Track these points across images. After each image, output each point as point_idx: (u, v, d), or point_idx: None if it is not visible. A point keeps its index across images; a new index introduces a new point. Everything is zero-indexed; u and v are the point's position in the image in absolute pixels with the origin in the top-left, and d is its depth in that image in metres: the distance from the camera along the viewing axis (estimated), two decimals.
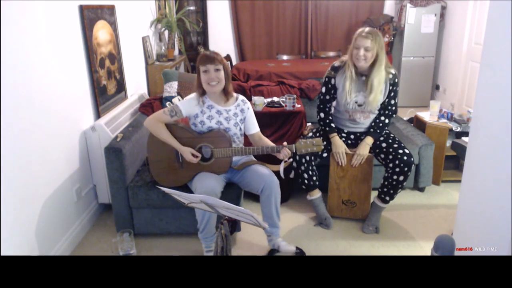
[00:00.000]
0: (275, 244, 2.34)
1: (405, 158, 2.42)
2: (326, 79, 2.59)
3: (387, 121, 2.59)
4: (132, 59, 3.67)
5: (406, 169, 2.42)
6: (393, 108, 2.58)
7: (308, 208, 2.86)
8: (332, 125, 2.62)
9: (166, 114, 2.22)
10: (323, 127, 2.65)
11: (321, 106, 2.64)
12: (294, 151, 2.16)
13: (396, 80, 2.50)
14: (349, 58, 2.46)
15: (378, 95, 2.46)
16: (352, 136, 2.68)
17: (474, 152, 1.76)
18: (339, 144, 2.56)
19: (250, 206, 2.81)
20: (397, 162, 2.43)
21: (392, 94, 2.52)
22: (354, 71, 2.46)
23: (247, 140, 2.42)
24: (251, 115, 2.34)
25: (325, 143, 2.60)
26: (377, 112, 2.59)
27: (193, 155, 2.19)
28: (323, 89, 2.61)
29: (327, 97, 2.61)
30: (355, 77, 2.47)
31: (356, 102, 2.51)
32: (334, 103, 2.71)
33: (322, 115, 2.63)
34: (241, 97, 2.35)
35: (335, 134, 2.60)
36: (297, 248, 2.37)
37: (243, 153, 2.21)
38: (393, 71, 2.51)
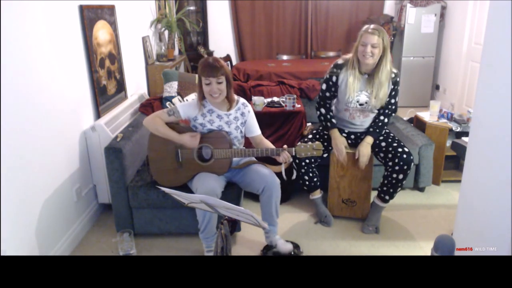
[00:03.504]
0: (273, 241, 2.34)
1: (404, 156, 2.42)
2: (328, 76, 2.56)
3: (386, 120, 2.59)
4: (132, 59, 3.67)
5: (405, 167, 2.42)
6: (393, 107, 2.57)
7: (308, 207, 2.86)
8: (333, 120, 2.60)
9: (164, 113, 2.25)
10: (323, 123, 2.63)
11: (321, 103, 2.61)
12: (294, 154, 2.16)
13: (398, 79, 2.50)
14: (354, 56, 2.44)
15: (384, 93, 2.45)
16: (352, 136, 2.67)
17: (474, 152, 1.76)
18: (339, 139, 2.55)
19: (250, 206, 2.81)
20: (396, 160, 2.43)
21: (393, 93, 2.52)
22: (358, 69, 2.45)
23: (248, 141, 2.42)
24: (251, 118, 2.34)
25: (325, 144, 2.60)
26: (376, 111, 2.58)
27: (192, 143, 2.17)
28: (324, 86, 2.59)
29: (327, 94, 2.59)
30: (358, 75, 2.45)
31: (357, 101, 2.50)
32: (334, 101, 2.71)
33: (322, 110, 2.61)
34: (241, 100, 2.34)
35: (336, 129, 2.59)
36: (293, 243, 2.38)
37: (243, 155, 2.20)
38: (395, 70, 2.51)
